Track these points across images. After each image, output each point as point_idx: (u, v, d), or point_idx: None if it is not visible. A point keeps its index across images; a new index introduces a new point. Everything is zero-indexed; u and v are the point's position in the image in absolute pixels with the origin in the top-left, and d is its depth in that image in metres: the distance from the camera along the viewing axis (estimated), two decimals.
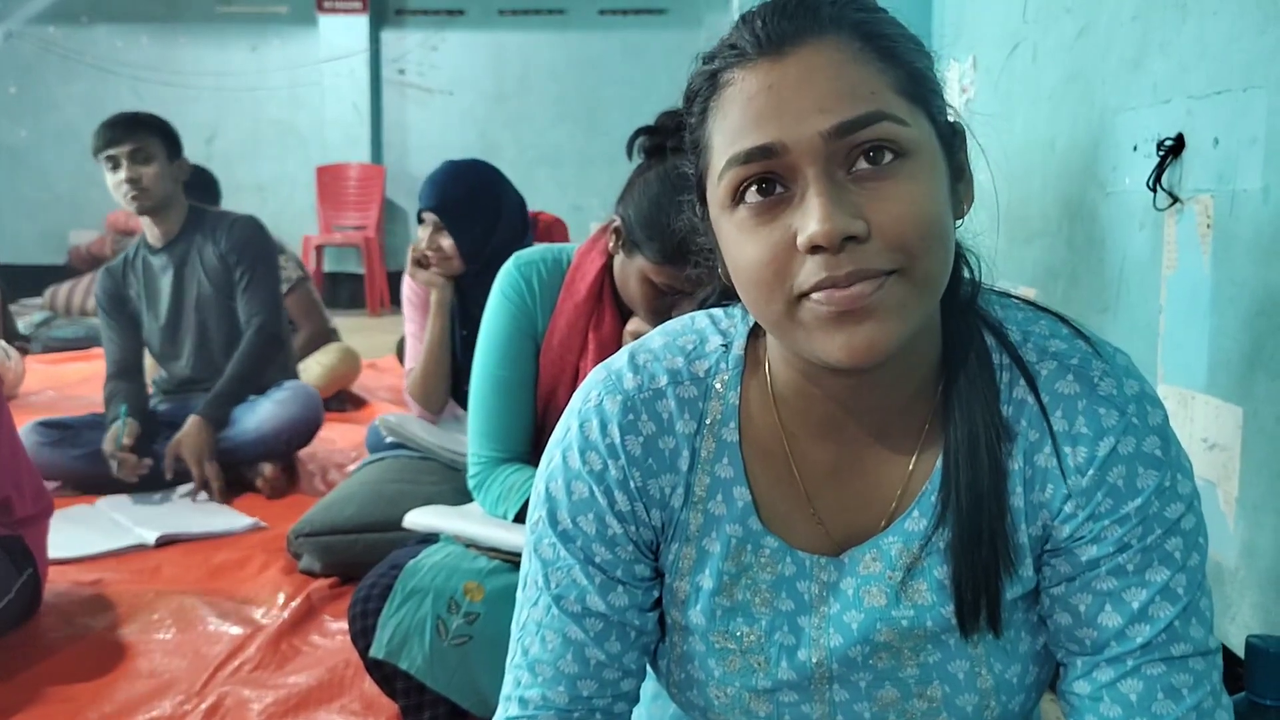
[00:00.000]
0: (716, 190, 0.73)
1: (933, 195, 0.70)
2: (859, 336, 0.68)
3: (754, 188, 0.70)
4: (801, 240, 0.68)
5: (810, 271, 0.68)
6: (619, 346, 1.57)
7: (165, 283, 2.99)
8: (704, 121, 0.75)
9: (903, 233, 0.68)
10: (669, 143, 1.47)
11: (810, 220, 0.67)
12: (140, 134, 2.88)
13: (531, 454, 1.61)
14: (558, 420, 1.58)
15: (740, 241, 0.71)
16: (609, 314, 1.58)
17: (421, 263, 2.33)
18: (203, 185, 3.69)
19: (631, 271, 1.52)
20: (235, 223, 3.02)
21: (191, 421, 2.79)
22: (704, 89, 0.75)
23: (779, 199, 0.70)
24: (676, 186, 1.42)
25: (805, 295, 0.69)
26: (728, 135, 0.71)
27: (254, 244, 3.01)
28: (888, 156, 0.69)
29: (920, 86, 0.72)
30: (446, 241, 2.31)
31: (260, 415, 2.88)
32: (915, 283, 0.69)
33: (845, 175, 0.69)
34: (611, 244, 1.56)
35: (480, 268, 2.21)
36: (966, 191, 0.77)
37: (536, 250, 1.65)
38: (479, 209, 2.33)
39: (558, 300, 1.60)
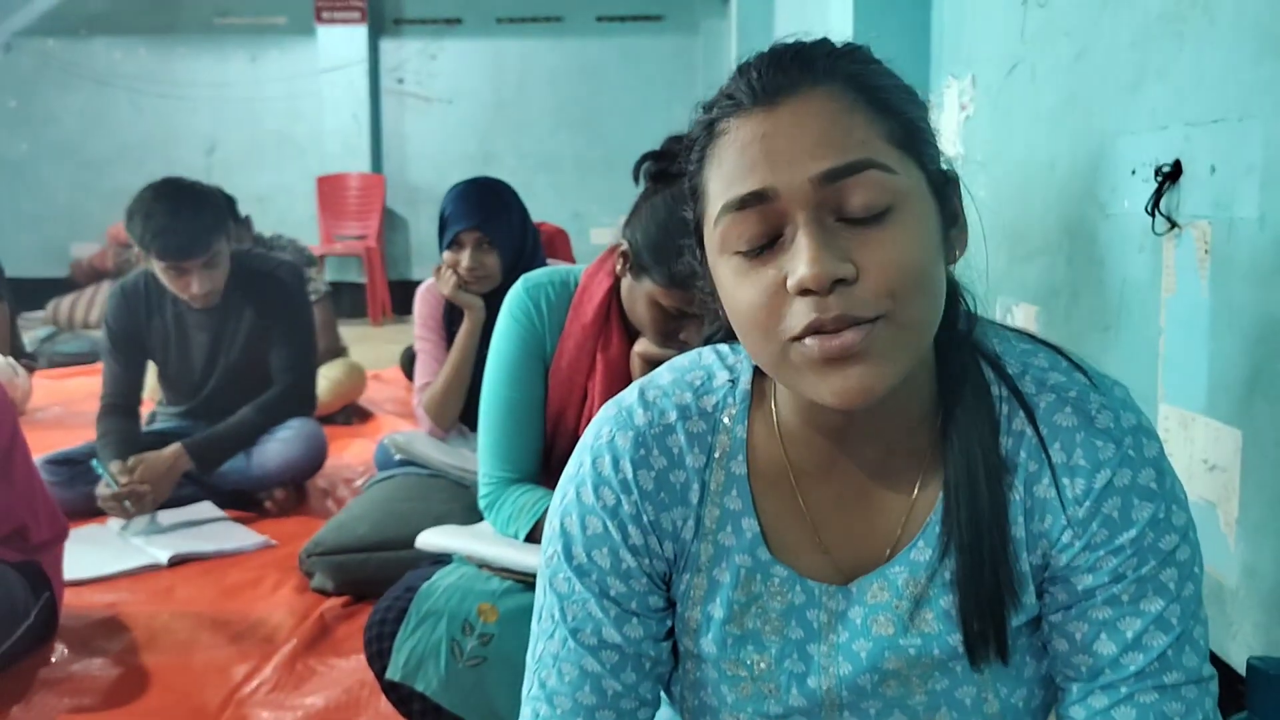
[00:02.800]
0: (713, 235, 0.76)
1: (921, 243, 0.72)
2: (850, 380, 0.71)
3: (747, 234, 0.73)
4: (791, 282, 0.70)
5: (799, 314, 0.70)
6: (627, 368, 1.59)
7: (201, 341, 2.89)
8: (701, 169, 0.78)
9: (890, 278, 0.70)
10: (675, 167, 1.48)
11: (799, 263, 0.70)
12: (211, 240, 2.67)
13: (541, 473, 1.64)
14: (566, 441, 1.60)
15: (735, 285, 0.74)
16: (616, 335, 1.60)
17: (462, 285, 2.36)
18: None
19: (639, 295, 1.54)
20: (274, 281, 2.90)
21: (172, 449, 2.67)
22: (701, 138, 0.77)
23: (771, 244, 0.72)
24: (672, 211, 1.43)
25: (797, 339, 0.72)
26: (722, 182, 0.74)
27: (293, 304, 2.92)
28: (876, 205, 0.71)
29: (912, 137, 0.74)
30: (491, 258, 2.35)
31: (264, 454, 2.82)
32: (902, 328, 0.71)
33: (835, 220, 0.71)
34: (619, 267, 1.58)
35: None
36: (959, 238, 0.79)
37: (544, 272, 1.66)
38: (513, 219, 2.38)
39: (566, 322, 1.62)
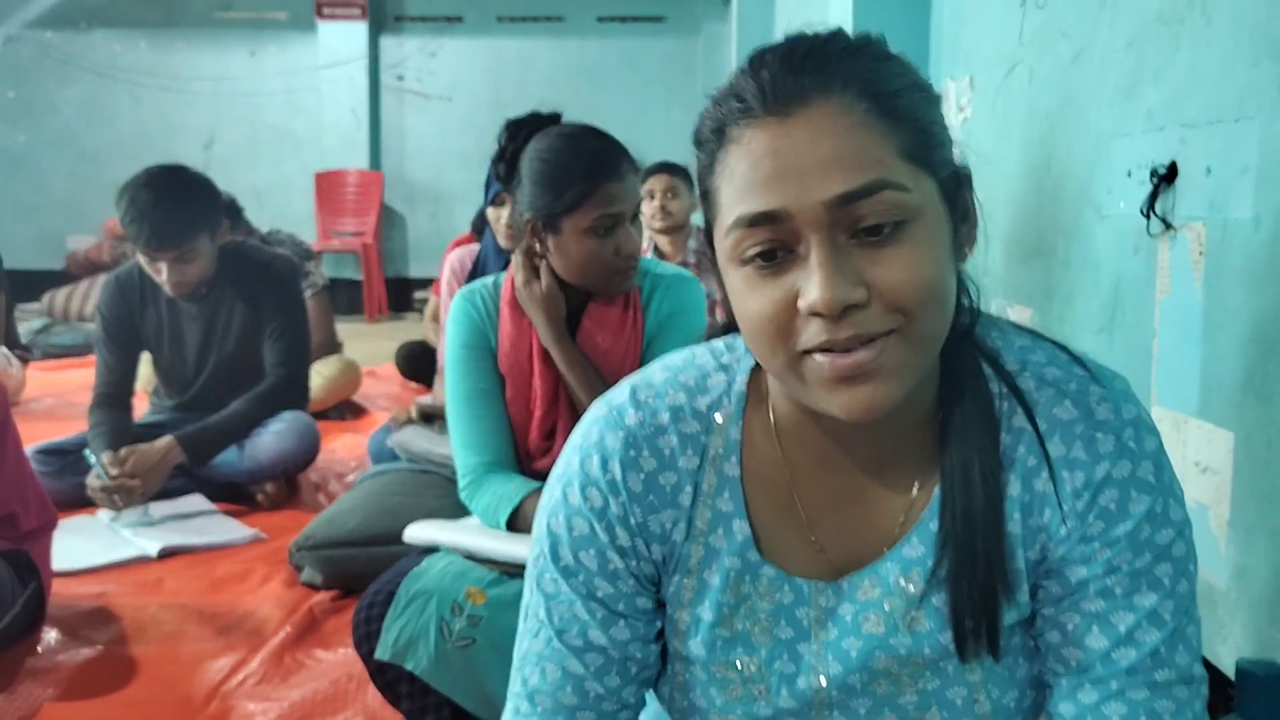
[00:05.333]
0: (724, 243, 0.74)
1: (933, 258, 0.71)
2: (859, 397, 0.71)
3: (758, 253, 0.72)
4: (803, 305, 0.70)
5: (812, 334, 0.70)
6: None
7: (193, 332, 2.88)
8: (711, 172, 0.76)
9: (902, 297, 0.70)
10: (518, 143, 1.68)
11: (812, 287, 0.69)
12: (188, 237, 2.66)
13: (513, 461, 1.68)
14: (526, 422, 1.63)
15: (745, 296, 0.73)
16: None
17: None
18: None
19: (570, 246, 1.60)
20: (268, 274, 2.89)
21: (164, 442, 2.66)
22: (710, 142, 0.75)
23: (783, 260, 0.72)
24: (549, 147, 1.59)
25: (808, 353, 0.71)
26: (734, 194, 0.72)
27: (286, 297, 2.91)
28: (888, 227, 0.70)
29: (925, 146, 0.73)
30: None
31: (257, 446, 2.81)
32: (913, 342, 0.71)
33: (847, 239, 0.70)
34: (540, 246, 1.63)
35: None
36: (969, 235, 0.78)
37: (475, 282, 1.76)
38: None
39: (499, 310, 1.70)
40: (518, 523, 1.55)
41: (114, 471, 2.56)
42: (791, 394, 0.77)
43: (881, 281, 0.70)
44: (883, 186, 0.69)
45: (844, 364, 0.70)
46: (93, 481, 2.58)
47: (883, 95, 0.71)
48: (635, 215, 1.61)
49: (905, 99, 0.72)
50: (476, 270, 2.70)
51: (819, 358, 0.71)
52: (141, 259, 2.73)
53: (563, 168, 1.57)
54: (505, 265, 2.34)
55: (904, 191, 0.70)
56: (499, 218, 2.59)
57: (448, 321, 1.71)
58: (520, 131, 1.70)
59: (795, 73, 0.71)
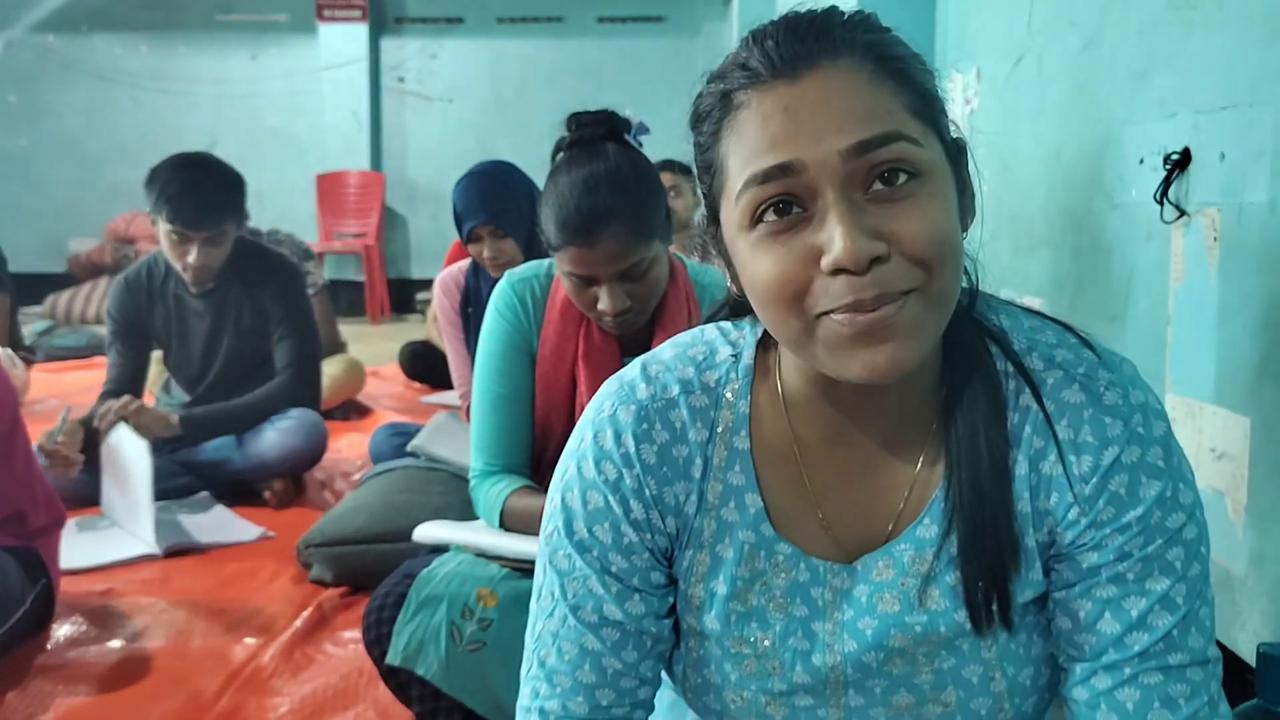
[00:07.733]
0: (733, 211, 0.74)
1: (947, 212, 0.72)
2: (881, 356, 0.70)
3: (771, 209, 0.71)
4: (826, 262, 0.69)
5: (835, 294, 0.70)
6: (609, 350, 1.59)
7: (200, 328, 2.91)
8: (716, 142, 0.75)
9: (923, 250, 0.69)
10: (570, 139, 1.61)
11: (834, 243, 0.68)
12: (221, 218, 2.73)
13: (529, 465, 1.64)
14: (554, 429, 1.59)
15: (757, 261, 0.72)
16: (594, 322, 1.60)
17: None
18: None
19: (561, 274, 1.54)
20: (275, 271, 2.92)
21: (167, 412, 2.74)
22: (715, 110, 0.75)
23: (797, 218, 0.71)
24: (553, 177, 1.53)
25: (826, 314, 0.71)
26: (744, 156, 0.72)
27: (293, 295, 2.93)
28: (903, 177, 0.70)
29: (930, 107, 0.74)
30: (507, 244, 2.47)
31: (264, 443, 2.82)
32: (932, 299, 0.71)
33: (862, 196, 0.70)
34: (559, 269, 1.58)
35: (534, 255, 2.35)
36: (969, 205, 0.78)
37: (529, 267, 1.67)
38: (519, 200, 2.46)
39: (545, 311, 1.63)
40: (505, 520, 1.54)
41: (60, 439, 2.51)
42: (805, 363, 0.77)
43: (901, 233, 0.69)
44: (897, 137, 0.70)
45: (865, 320, 0.69)
46: (42, 440, 2.51)
47: (887, 58, 0.72)
48: (628, 276, 1.50)
49: (908, 64, 0.74)
50: (468, 292, 2.55)
51: (838, 316, 0.70)
52: (168, 241, 2.75)
53: (549, 209, 1.51)
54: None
55: (916, 145, 0.71)
56: (480, 253, 2.48)
57: (489, 309, 1.64)
58: (581, 130, 1.60)
59: (800, 40, 0.72)
